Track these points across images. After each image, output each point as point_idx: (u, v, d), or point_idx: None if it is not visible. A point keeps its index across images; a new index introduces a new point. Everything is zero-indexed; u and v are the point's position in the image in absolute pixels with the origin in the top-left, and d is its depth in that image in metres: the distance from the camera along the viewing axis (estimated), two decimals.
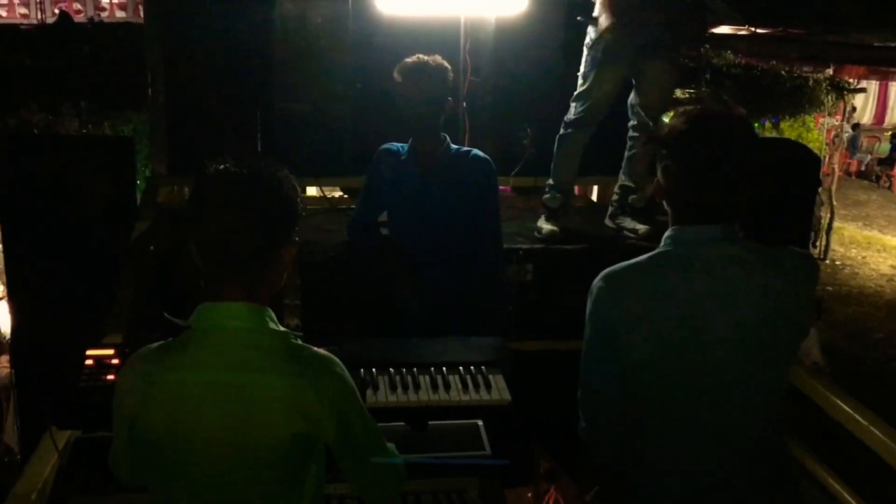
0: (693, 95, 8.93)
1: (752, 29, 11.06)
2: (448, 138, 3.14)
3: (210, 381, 1.52)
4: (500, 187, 4.80)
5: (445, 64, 3.03)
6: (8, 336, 3.92)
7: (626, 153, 3.85)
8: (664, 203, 1.89)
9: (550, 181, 3.90)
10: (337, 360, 1.60)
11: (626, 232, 3.83)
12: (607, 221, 3.97)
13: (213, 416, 1.51)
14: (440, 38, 4.06)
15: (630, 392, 1.85)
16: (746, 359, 1.79)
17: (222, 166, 1.56)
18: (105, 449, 1.75)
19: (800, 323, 1.87)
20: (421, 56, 3.02)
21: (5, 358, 5.60)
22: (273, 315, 1.60)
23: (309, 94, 4.11)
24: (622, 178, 3.88)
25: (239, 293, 1.56)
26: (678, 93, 8.77)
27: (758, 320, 1.78)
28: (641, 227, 3.76)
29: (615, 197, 3.94)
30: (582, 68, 3.67)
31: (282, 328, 1.60)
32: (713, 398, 1.81)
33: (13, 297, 3.63)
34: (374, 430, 1.67)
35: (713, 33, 11.04)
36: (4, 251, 3.76)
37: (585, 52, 3.65)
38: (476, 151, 3.19)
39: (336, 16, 4.07)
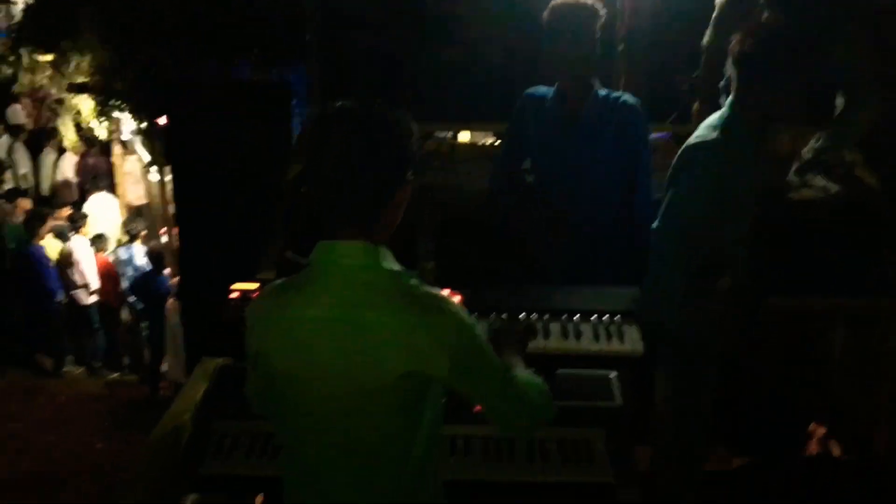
0: None
1: None
2: (597, 82, 3.02)
3: (325, 318, 1.55)
4: (660, 133, 4.61)
5: (598, 6, 2.89)
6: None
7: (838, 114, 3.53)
8: None
9: None
10: (452, 300, 1.59)
11: (814, 190, 3.52)
12: (792, 177, 3.66)
13: (327, 352, 1.54)
14: None
15: None
16: None
17: (338, 104, 1.56)
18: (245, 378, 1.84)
19: None
20: None
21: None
22: (388, 254, 1.60)
23: (460, 38, 4.08)
24: (822, 136, 3.55)
25: (354, 232, 1.57)
26: None
27: None
28: (833, 187, 3.46)
29: (809, 153, 3.63)
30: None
31: (396, 267, 1.60)
32: None
33: (182, 236, 3.90)
34: (495, 366, 1.64)
35: None
36: (175, 193, 4.04)
37: None
38: (626, 96, 3.05)
39: None
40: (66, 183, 10.08)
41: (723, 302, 2.53)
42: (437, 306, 1.56)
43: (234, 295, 2.43)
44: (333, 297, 1.55)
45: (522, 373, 1.76)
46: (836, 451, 3.80)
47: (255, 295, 2.39)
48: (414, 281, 1.59)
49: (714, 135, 2.54)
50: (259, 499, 3.13)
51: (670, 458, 2.84)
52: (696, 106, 3.73)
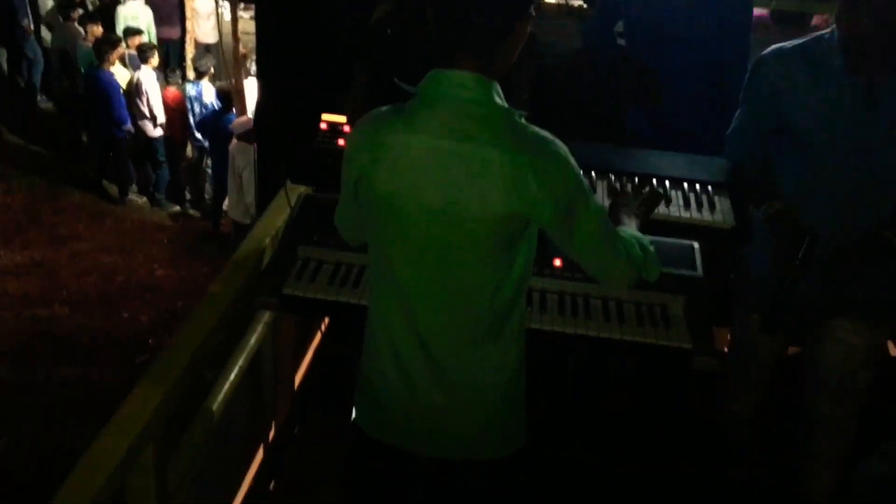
0: None
1: None
2: None
3: (432, 147, 1.52)
4: (759, 12, 4.38)
5: None
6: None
7: None
8: None
9: None
10: (560, 142, 1.55)
11: None
12: None
13: (431, 181, 1.53)
14: None
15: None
16: None
17: None
18: (331, 208, 1.85)
19: None
20: None
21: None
22: (500, 90, 1.55)
23: None
24: None
25: (469, 63, 1.52)
26: None
27: None
28: None
29: None
30: None
31: (507, 105, 1.55)
32: None
33: (261, 72, 3.85)
34: (596, 214, 1.60)
35: None
36: (257, 28, 3.96)
37: None
38: None
39: None
40: None
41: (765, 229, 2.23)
42: (546, 148, 1.52)
43: (323, 126, 2.42)
44: (443, 127, 1.52)
45: (631, 231, 1.74)
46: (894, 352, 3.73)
47: (347, 128, 2.37)
48: (524, 120, 1.56)
49: (788, 47, 2.25)
50: (325, 321, 3.23)
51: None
52: None
